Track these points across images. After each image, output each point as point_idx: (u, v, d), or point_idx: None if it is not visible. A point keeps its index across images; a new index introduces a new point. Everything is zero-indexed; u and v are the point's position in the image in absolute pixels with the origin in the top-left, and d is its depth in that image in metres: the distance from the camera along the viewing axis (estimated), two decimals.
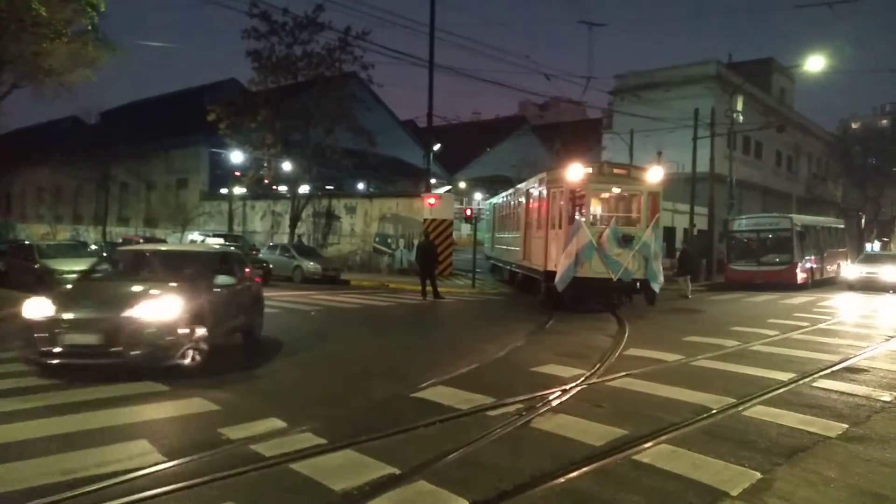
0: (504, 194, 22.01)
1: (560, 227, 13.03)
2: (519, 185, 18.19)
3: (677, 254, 19.46)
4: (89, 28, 13.14)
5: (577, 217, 12.90)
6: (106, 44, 13.74)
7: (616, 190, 13.69)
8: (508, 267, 18.69)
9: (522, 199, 16.50)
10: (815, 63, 21.28)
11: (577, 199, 13.33)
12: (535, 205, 14.89)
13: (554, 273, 12.55)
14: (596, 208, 13.91)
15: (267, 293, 16.44)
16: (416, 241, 22.81)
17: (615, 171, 13.75)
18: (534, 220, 15.04)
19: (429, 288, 15.38)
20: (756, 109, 31.20)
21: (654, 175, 13.05)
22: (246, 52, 22.66)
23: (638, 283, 12.52)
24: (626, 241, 12.39)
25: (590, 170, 13.08)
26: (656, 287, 12.70)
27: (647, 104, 27.67)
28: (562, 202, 13.11)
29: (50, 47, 12.18)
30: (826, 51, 29.17)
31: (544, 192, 13.91)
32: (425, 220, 22.12)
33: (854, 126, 48.86)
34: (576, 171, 12.71)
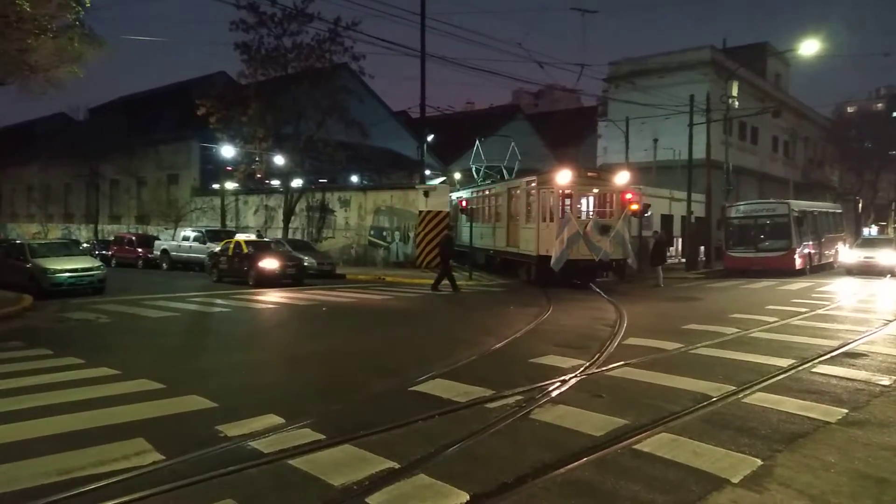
0: (471, 189, 23.63)
1: (552, 219, 16.06)
2: (495, 184, 21.16)
3: (651, 242, 19.93)
4: (75, 23, 12.91)
5: (567, 212, 15.79)
6: (92, 39, 13.49)
7: (595, 190, 17.20)
8: (486, 252, 20.93)
9: (503, 196, 19.34)
10: (809, 47, 21.19)
11: (565, 198, 16.26)
12: (524, 201, 17.60)
13: (546, 256, 15.66)
14: (578, 204, 16.99)
15: (262, 288, 16.42)
16: (411, 234, 22.86)
17: (588, 174, 17.31)
18: (522, 214, 17.74)
19: (442, 281, 15.73)
20: (752, 94, 31.13)
21: (622, 178, 16.60)
22: (234, 45, 22.43)
23: (613, 263, 16.11)
24: (604, 229, 15.76)
25: (572, 174, 15.89)
26: (633, 264, 16.74)
27: (642, 91, 27.57)
28: (552, 201, 16.23)
29: (35, 43, 11.93)
30: (821, 34, 29.09)
31: (534, 191, 16.92)
32: (420, 211, 22.05)
33: (850, 110, 48.87)
34: (564, 176, 15.70)
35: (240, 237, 19.32)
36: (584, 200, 17.28)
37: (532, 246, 16.63)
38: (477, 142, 24.92)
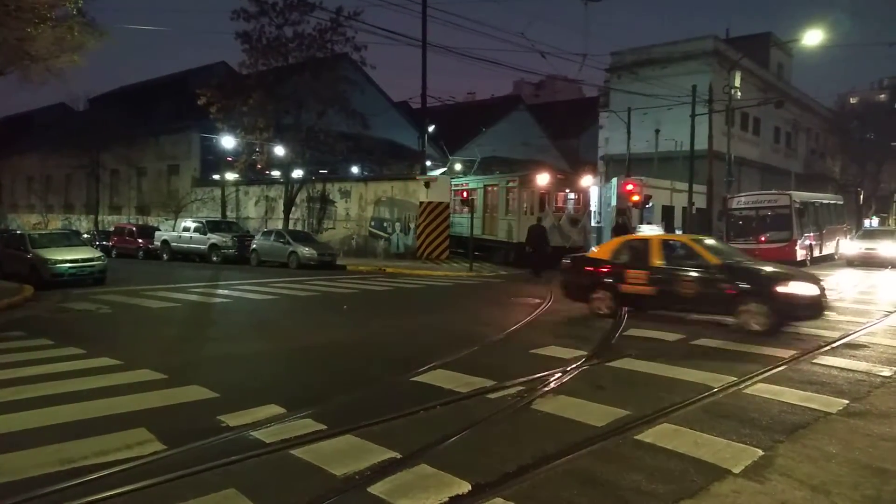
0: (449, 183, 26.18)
1: (532, 213, 19.25)
2: (469, 180, 24.01)
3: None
4: (75, 12, 12.81)
5: (546, 207, 19.47)
6: (92, 28, 13.40)
7: (567, 190, 20.91)
8: (458, 238, 23.23)
9: (479, 191, 22.09)
10: (813, 37, 20.99)
11: (543, 196, 19.70)
12: (505, 196, 20.80)
13: (522, 244, 18.34)
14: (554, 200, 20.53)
15: (263, 279, 16.42)
16: (411, 225, 22.84)
17: (559, 176, 21.04)
18: (501, 207, 20.78)
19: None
20: (754, 85, 30.90)
21: (586, 181, 21.62)
22: (235, 34, 22.26)
23: (579, 248, 19.17)
24: (574, 222, 20.11)
25: (549, 176, 19.37)
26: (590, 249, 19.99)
27: (644, 81, 27.35)
28: (531, 198, 19.67)
29: (34, 32, 11.86)
30: (824, 24, 28.85)
31: (515, 189, 20.27)
32: (421, 202, 22.03)
33: (852, 101, 48.56)
34: (543, 178, 19.20)
35: (652, 233, 11.91)
36: (555, 197, 20.68)
37: (513, 234, 19.76)
38: (442, 143, 27.55)
